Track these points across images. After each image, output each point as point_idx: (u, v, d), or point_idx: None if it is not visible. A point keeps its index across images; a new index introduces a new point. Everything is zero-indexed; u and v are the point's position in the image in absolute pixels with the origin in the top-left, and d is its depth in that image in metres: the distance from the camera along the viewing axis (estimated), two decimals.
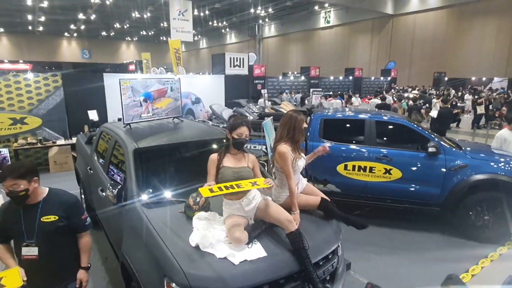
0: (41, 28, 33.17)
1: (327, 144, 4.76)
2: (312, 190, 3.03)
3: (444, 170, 4.39)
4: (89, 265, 2.41)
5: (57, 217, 2.16)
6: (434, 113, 8.91)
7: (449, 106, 9.89)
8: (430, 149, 4.36)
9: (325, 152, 3.10)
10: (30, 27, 32.59)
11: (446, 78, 23.49)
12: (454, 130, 12.86)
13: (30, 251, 2.10)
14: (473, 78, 22.67)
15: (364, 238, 4.40)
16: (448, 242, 4.42)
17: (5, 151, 6.48)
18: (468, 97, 17.04)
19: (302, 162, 2.83)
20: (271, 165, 2.96)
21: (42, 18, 27.99)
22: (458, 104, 15.28)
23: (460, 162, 4.36)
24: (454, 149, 4.51)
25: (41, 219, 2.12)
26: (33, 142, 7.27)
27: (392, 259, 3.98)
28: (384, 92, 16.01)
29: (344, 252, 2.94)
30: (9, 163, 6.49)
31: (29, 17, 27.46)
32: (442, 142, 4.52)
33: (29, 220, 2.11)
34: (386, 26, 26.73)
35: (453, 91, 19.50)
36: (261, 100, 12.04)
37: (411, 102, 11.82)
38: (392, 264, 3.88)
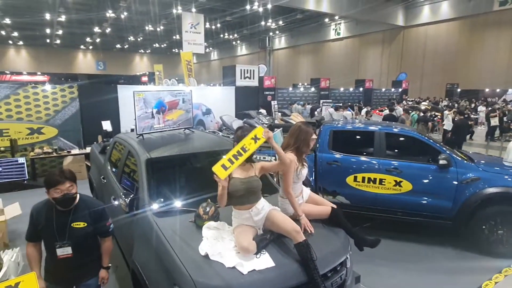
0: (58, 41, 34.31)
1: (337, 155, 4.79)
2: (317, 200, 3.07)
3: (455, 183, 4.33)
4: (110, 265, 2.60)
5: (86, 224, 2.32)
6: (448, 125, 8.82)
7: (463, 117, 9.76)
8: (441, 162, 4.32)
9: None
10: (48, 40, 33.76)
11: (459, 90, 23.22)
12: (467, 142, 12.65)
13: (65, 251, 2.29)
14: (487, 90, 22.33)
15: (374, 251, 4.30)
16: (460, 256, 4.32)
17: (22, 160, 6.68)
18: (481, 108, 16.79)
19: (305, 171, 2.89)
20: (276, 173, 3.00)
21: (60, 32, 29.00)
22: (471, 116, 15.06)
23: (472, 175, 4.31)
24: (465, 161, 4.46)
25: (72, 224, 2.28)
26: (49, 152, 7.47)
27: (402, 273, 3.92)
28: (395, 103, 15.93)
29: (353, 265, 2.93)
30: (26, 172, 6.68)
31: (47, 30, 28.49)
32: (453, 155, 4.48)
33: (61, 223, 2.27)
34: (397, 38, 26.73)
35: (466, 103, 19.24)
36: (295, 106, 12.02)
37: (422, 114, 11.74)
38: (402, 278, 3.82)
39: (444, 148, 4.57)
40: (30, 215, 2.34)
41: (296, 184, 2.84)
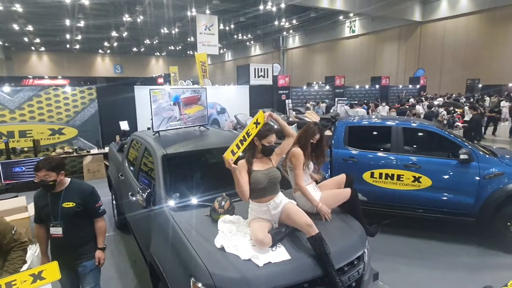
0: (77, 46, 35.42)
1: (353, 151, 4.72)
2: (334, 183, 3.18)
3: (478, 178, 4.19)
4: (105, 246, 2.70)
5: (74, 204, 2.50)
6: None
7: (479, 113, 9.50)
8: (462, 156, 4.18)
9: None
10: (68, 46, 34.89)
11: (480, 85, 22.46)
12: (490, 138, 12.23)
13: (56, 230, 2.49)
14: (510, 85, 21.50)
15: (393, 249, 4.26)
16: (483, 254, 4.17)
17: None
18: (504, 104, 16.17)
19: (312, 165, 3.05)
20: (285, 169, 3.13)
21: (79, 37, 29.93)
22: (487, 112, 14.51)
23: (495, 169, 4.15)
24: (488, 156, 4.31)
25: (63, 204, 2.48)
26: (69, 152, 7.70)
27: (422, 271, 3.81)
28: (412, 100, 15.56)
29: (372, 262, 2.87)
30: None
31: (67, 36, 29.43)
32: (475, 149, 4.33)
33: (54, 205, 2.49)
34: (414, 34, 26.12)
35: (487, 99, 18.57)
36: (307, 105, 11.89)
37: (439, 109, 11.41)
38: (422, 276, 3.71)
39: (466, 143, 4.43)
40: (33, 201, 2.60)
41: (304, 175, 2.97)
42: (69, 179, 2.59)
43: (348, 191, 3.01)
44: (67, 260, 2.52)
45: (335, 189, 3.10)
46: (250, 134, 2.51)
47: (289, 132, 2.74)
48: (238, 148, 2.44)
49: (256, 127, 2.55)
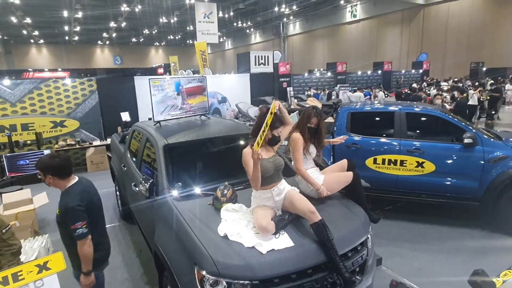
0: (76, 38, 35.09)
1: (356, 137, 4.70)
2: (336, 168, 3.23)
3: (482, 162, 4.16)
4: (89, 270, 2.30)
5: (59, 212, 2.27)
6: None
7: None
8: (466, 140, 4.14)
9: (342, 141, 3.54)
10: (66, 38, 34.59)
11: (484, 69, 22.13)
12: (495, 122, 12.13)
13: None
14: None
15: (397, 234, 4.27)
16: (487, 237, 4.17)
17: (48, 152, 6.93)
18: (509, 87, 15.96)
19: (313, 148, 3.09)
20: (288, 156, 3.20)
21: (77, 28, 29.63)
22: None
23: (499, 153, 4.11)
24: (492, 139, 4.26)
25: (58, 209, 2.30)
26: (72, 144, 7.72)
27: (426, 255, 3.82)
28: (415, 85, 15.38)
29: (375, 247, 2.88)
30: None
31: (66, 28, 29.15)
32: (479, 133, 4.29)
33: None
34: (416, 17, 25.62)
35: (490, 81, 18.30)
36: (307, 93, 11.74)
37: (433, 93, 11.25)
38: (425, 260, 3.73)
39: (470, 127, 4.38)
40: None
41: (307, 160, 3.02)
42: (69, 185, 2.32)
43: (350, 174, 3.04)
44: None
45: (337, 172, 3.13)
46: (267, 123, 2.44)
47: (288, 121, 2.80)
48: (261, 138, 2.36)
49: (270, 115, 2.51)
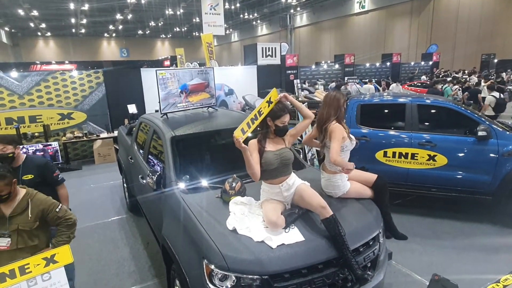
0: (83, 31, 35.16)
1: (365, 130, 4.60)
2: (362, 179, 2.98)
3: (496, 155, 4.04)
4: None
5: (33, 176, 2.80)
6: (488, 99, 8.06)
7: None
8: (480, 133, 4.02)
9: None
10: (73, 30, 34.68)
11: (495, 60, 21.63)
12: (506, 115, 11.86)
13: None
14: None
15: (407, 228, 4.19)
16: (499, 234, 4.07)
17: (56, 145, 6.96)
18: None
19: (351, 143, 2.84)
20: (321, 143, 2.86)
21: (84, 21, 29.64)
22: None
23: None
24: (508, 132, 4.14)
25: (22, 177, 2.76)
26: (79, 136, 7.74)
27: (437, 250, 3.75)
28: (424, 77, 15.10)
29: (385, 242, 2.82)
30: (59, 156, 6.99)
31: (72, 20, 29.19)
32: (493, 125, 4.16)
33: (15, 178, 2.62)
34: (426, 8, 25.07)
35: (503, 74, 17.90)
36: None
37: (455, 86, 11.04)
38: (436, 255, 3.66)
39: (483, 119, 4.26)
40: None
41: (343, 154, 2.81)
42: (25, 155, 2.89)
43: (373, 175, 2.89)
44: None
45: (360, 186, 2.89)
46: (262, 113, 2.42)
47: (306, 114, 2.63)
48: (249, 126, 2.37)
49: (269, 106, 2.45)
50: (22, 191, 2.31)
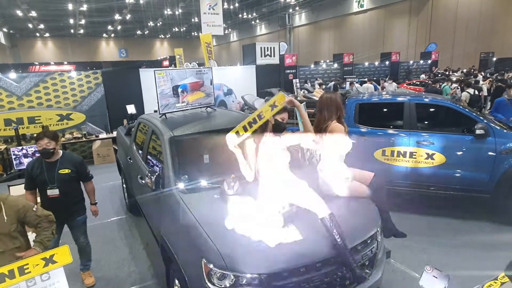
0: (81, 31, 35.11)
1: (364, 129, 4.61)
2: (359, 176, 2.99)
3: (493, 153, 4.06)
4: (96, 201, 3.42)
5: (70, 170, 3.07)
6: (464, 96, 8.61)
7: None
8: (478, 131, 4.04)
9: None
10: (72, 31, 34.61)
11: (494, 59, 21.63)
12: None
13: (53, 192, 3.00)
14: None
15: (405, 227, 4.16)
16: (498, 231, 4.09)
17: None
18: None
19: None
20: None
21: (82, 21, 29.58)
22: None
23: None
24: (505, 131, 4.15)
25: (59, 171, 3.02)
26: (79, 137, 7.75)
27: (435, 248, 3.77)
28: (424, 76, 15.10)
29: (383, 240, 2.83)
30: None
31: (71, 21, 29.13)
32: (491, 124, 4.18)
33: (51, 171, 3.01)
34: (425, 7, 25.07)
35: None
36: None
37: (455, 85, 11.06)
38: (435, 253, 3.67)
39: (481, 117, 4.27)
40: (25, 170, 3.06)
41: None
42: (62, 151, 3.12)
43: (370, 173, 2.90)
44: (61, 217, 2.98)
45: (358, 185, 2.88)
46: (262, 117, 2.29)
47: (307, 127, 2.48)
48: (245, 130, 2.28)
49: (272, 109, 2.31)
50: None
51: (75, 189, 3.20)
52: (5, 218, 2.25)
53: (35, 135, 7.36)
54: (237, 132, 2.26)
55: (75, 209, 3.20)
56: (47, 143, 2.92)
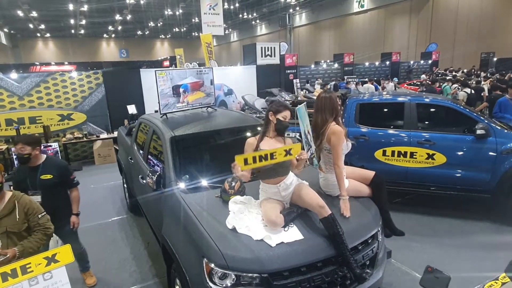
0: (82, 32, 35.15)
1: (364, 129, 4.61)
2: (359, 176, 2.96)
3: (494, 153, 4.06)
4: (79, 212, 3.16)
5: (52, 176, 2.92)
6: (461, 95, 8.57)
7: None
8: (479, 132, 4.04)
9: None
10: (72, 31, 34.65)
11: (495, 59, 21.60)
12: None
13: (35, 198, 2.75)
14: None
15: (406, 227, 4.16)
16: (498, 232, 4.09)
17: (55, 145, 6.97)
18: None
19: (349, 144, 2.80)
20: (318, 146, 2.80)
21: (83, 22, 29.62)
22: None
23: None
24: (506, 131, 4.15)
25: (41, 177, 2.89)
26: (79, 137, 7.76)
27: (435, 248, 3.77)
28: (424, 76, 15.09)
29: (384, 240, 2.84)
30: (59, 157, 7.00)
31: (72, 21, 29.17)
32: (492, 124, 4.18)
33: (32, 177, 2.88)
34: (425, 7, 25.06)
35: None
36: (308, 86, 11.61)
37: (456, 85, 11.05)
38: (436, 253, 3.67)
39: (482, 117, 4.27)
40: (12, 175, 3.04)
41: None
42: (45, 156, 2.99)
43: (371, 173, 2.87)
44: None
45: (358, 183, 2.87)
46: (274, 157, 2.21)
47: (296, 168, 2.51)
48: (254, 162, 2.18)
49: (285, 156, 2.24)
50: (8, 193, 2.33)
51: (60, 196, 3.04)
52: (17, 217, 2.27)
53: (36, 135, 7.40)
54: (245, 160, 2.16)
55: (61, 217, 2.97)
56: (21, 148, 2.80)
